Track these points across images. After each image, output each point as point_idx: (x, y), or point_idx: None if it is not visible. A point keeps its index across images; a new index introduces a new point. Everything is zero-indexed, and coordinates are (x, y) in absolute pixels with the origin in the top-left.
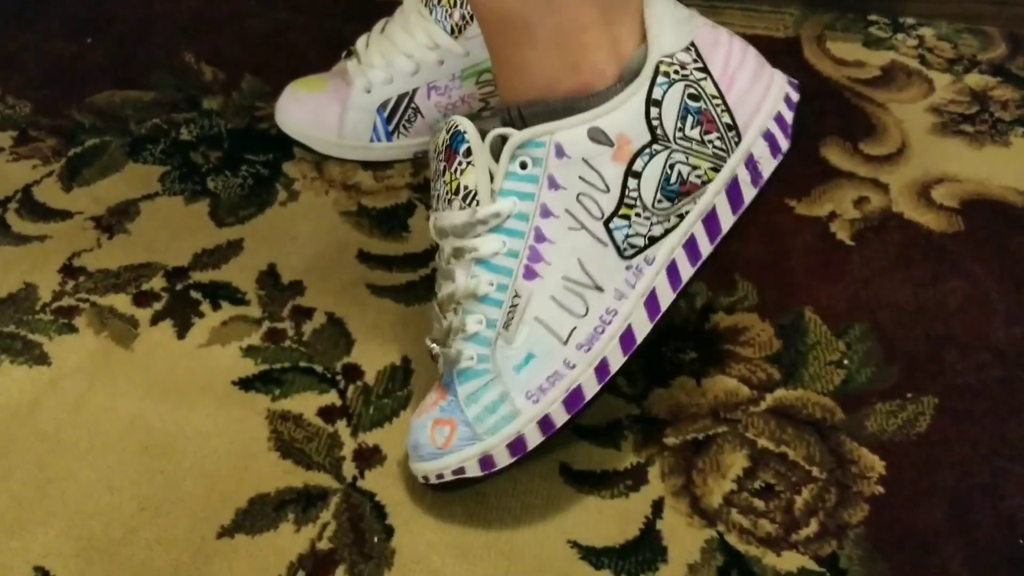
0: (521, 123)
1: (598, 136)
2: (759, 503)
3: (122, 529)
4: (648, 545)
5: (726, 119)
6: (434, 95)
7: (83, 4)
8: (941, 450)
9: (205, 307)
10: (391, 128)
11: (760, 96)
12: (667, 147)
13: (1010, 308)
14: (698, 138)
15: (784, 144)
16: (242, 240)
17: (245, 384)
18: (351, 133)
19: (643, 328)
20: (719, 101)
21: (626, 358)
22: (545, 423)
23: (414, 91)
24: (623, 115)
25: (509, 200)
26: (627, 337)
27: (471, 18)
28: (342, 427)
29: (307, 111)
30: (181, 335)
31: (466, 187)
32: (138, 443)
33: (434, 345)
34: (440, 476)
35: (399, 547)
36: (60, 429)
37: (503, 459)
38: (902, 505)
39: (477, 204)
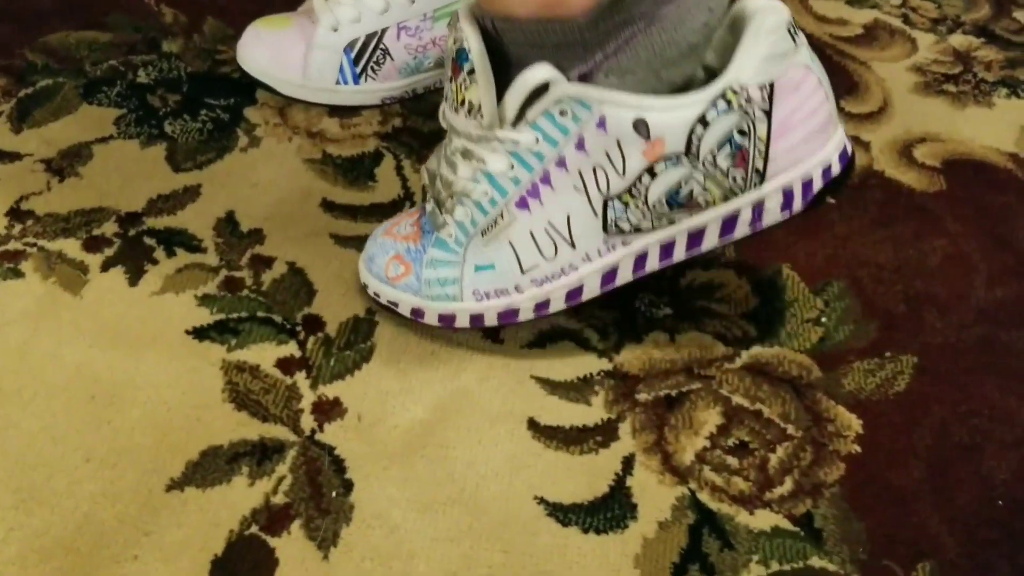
0: (497, 36)
1: (641, 128)
2: (733, 461)
3: (65, 480)
4: (617, 502)
5: (759, 164)
6: (404, 36)
7: None
8: (919, 409)
9: (159, 254)
10: (358, 70)
11: (803, 156)
12: (693, 165)
13: (991, 268)
14: (724, 169)
15: (798, 207)
16: (200, 186)
17: (199, 333)
18: (316, 75)
19: (592, 292)
20: (762, 146)
21: (565, 307)
22: (476, 319)
23: (383, 31)
24: (670, 120)
25: (533, 135)
26: (574, 293)
27: None
28: (301, 379)
29: (270, 50)
30: (133, 282)
31: (470, 102)
32: (84, 392)
33: (428, 188)
34: (377, 295)
35: (358, 502)
36: (2, 376)
37: (432, 320)
38: (879, 464)
39: (481, 118)
